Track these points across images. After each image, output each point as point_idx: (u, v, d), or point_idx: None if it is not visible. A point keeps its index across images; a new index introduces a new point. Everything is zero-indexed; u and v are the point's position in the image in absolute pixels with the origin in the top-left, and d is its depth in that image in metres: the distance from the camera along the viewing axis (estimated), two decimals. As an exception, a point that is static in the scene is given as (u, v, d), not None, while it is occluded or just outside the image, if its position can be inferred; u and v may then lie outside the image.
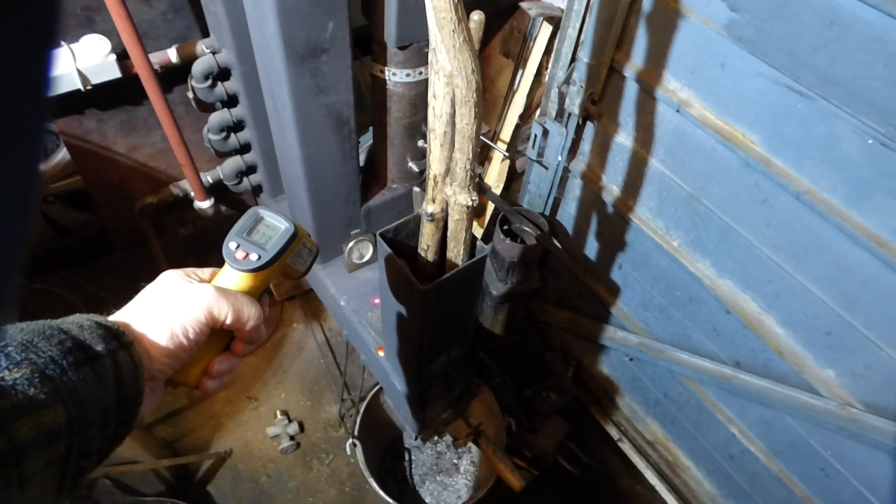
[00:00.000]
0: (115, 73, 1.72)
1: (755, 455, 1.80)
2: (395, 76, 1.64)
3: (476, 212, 1.28)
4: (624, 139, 1.76)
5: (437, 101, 1.08)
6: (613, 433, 2.42)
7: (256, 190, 2.29)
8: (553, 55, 1.77)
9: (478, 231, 2.59)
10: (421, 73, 1.64)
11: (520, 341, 2.57)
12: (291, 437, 2.70)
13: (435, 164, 1.19)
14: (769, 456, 1.77)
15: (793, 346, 1.56)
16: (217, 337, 0.75)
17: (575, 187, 2.02)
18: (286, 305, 3.15)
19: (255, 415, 2.80)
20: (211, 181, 2.17)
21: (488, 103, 2.37)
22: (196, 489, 2.57)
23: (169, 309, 0.68)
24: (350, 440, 2.26)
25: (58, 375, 0.52)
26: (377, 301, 1.99)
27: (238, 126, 2.02)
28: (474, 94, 0.94)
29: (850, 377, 1.46)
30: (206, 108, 2.03)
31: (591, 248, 2.09)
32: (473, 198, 1.16)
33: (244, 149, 2.10)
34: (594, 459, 2.64)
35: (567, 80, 1.73)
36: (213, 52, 1.82)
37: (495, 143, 2.35)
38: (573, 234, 2.14)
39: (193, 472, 2.60)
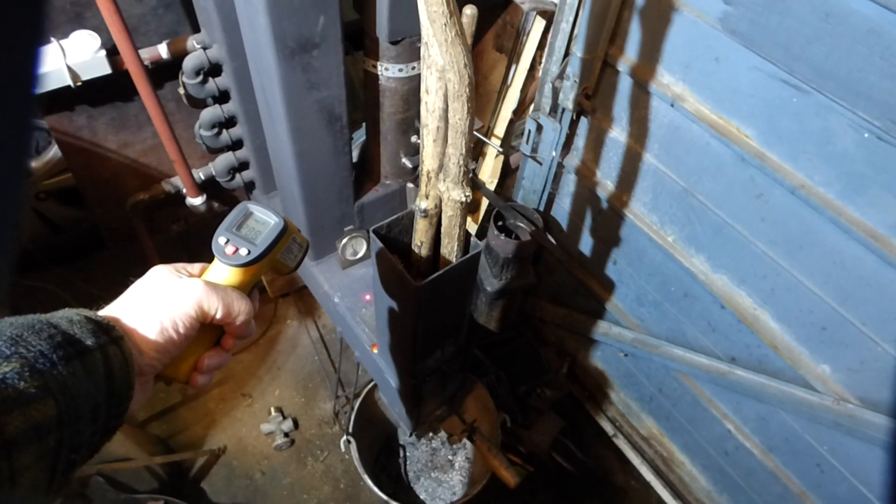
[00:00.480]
0: (105, 69, 1.71)
1: (750, 451, 1.81)
2: (388, 71, 1.62)
3: (470, 208, 1.28)
4: (618, 134, 1.75)
5: (430, 96, 1.08)
6: (608, 429, 2.42)
7: (249, 186, 2.28)
8: (546, 50, 1.76)
9: (472, 227, 2.59)
10: (413, 68, 1.63)
11: (514, 337, 2.57)
12: (286, 434, 2.69)
13: (428, 160, 1.18)
14: (764, 451, 1.77)
15: (788, 341, 1.56)
16: (207, 332, 0.75)
17: (569, 183, 2.02)
18: (280, 302, 3.14)
19: (249, 412, 2.79)
20: (203, 178, 2.15)
21: (482, 98, 2.35)
22: (190, 486, 2.56)
23: (159, 303, 0.68)
24: (344, 437, 2.25)
25: (48, 369, 0.53)
26: (368, 296, 1.98)
27: (230, 122, 2.00)
28: (467, 89, 0.93)
29: (846, 372, 1.45)
30: (198, 104, 2.01)
31: (586, 244, 2.09)
32: (467, 193, 1.15)
33: (236, 145, 2.08)
34: (589, 455, 2.64)
35: (561, 75, 1.72)
36: (204, 48, 1.80)
37: (489, 139, 2.34)
38: (568, 230, 2.13)
39: (187, 469, 2.59)
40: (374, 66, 1.63)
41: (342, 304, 1.98)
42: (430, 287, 1.28)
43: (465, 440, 2.15)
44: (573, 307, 2.30)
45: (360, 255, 2.05)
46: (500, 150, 2.30)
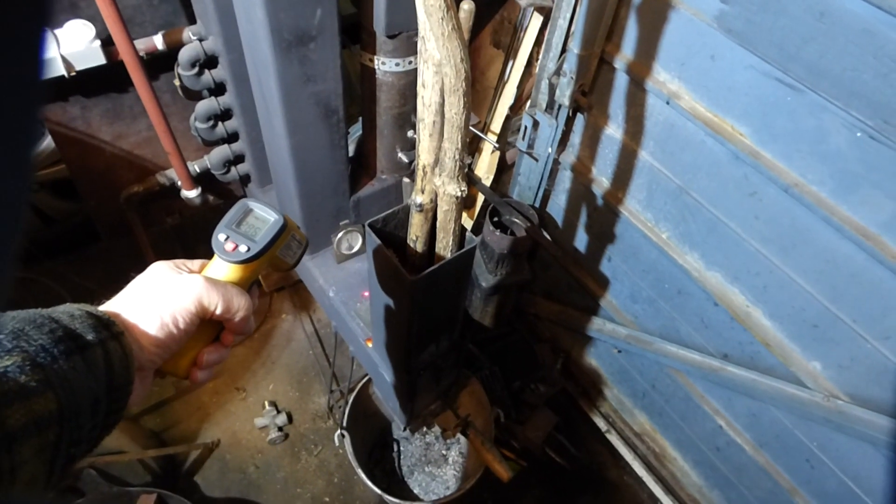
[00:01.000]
0: (99, 59, 1.70)
1: (741, 446, 1.82)
2: (385, 65, 1.62)
3: (466, 203, 1.28)
4: (614, 131, 1.75)
5: (426, 90, 1.08)
6: (601, 425, 2.43)
7: (244, 179, 2.27)
8: (543, 46, 1.76)
9: (468, 222, 2.59)
10: (410, 62, 1.63)
11: (509, 333, 2.58)
12: (280, 428, 2.69)
13: (424, 155, 1.18)
14: (755, 447, 1.79)
15: (780, 338, 1.57)
16: (206, 328, 0.76)
17: (565, 179, 2.02)
18: (275, 296, 3.14)
19: (243, 405, 2.79)
20: (198, 170, 2.14)
21: (479, 94, 2.35)
22: (183, 479, 2.56)
23: (159, 299, 0.69)
24: (338, 431, 2.25)
25: (49, 364, 0.53)
26: (366, 293, 1.98)
27: (225, 115, 1.99)
28: (463, 83, 0.93)
29: (837, 369, 1.47)
30: (193, 96, 2.00)
31: (581, 241, 2.10)
32: (463, 188, 1.15)
33: (232, 138, 2.08)
34: (582, 451, 2.65)
35: (557, 72, 1.72)
36: (200, 40, 1.79)
37: (485, 135, 2.34)
38: (563, 226, 2.14)
39: (181, 463, 2.59)
40: (371, 60, 1.62)
41: (337, 298, 1.98)
42: (425, 281, 1.28)
43: (458, 435, 2.15)
44: (568, 303, 2.31)
45: (356, 249, 2.05)
46: (497, 145, 2.30)
